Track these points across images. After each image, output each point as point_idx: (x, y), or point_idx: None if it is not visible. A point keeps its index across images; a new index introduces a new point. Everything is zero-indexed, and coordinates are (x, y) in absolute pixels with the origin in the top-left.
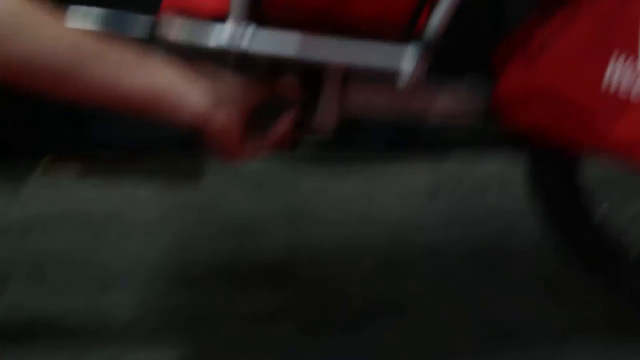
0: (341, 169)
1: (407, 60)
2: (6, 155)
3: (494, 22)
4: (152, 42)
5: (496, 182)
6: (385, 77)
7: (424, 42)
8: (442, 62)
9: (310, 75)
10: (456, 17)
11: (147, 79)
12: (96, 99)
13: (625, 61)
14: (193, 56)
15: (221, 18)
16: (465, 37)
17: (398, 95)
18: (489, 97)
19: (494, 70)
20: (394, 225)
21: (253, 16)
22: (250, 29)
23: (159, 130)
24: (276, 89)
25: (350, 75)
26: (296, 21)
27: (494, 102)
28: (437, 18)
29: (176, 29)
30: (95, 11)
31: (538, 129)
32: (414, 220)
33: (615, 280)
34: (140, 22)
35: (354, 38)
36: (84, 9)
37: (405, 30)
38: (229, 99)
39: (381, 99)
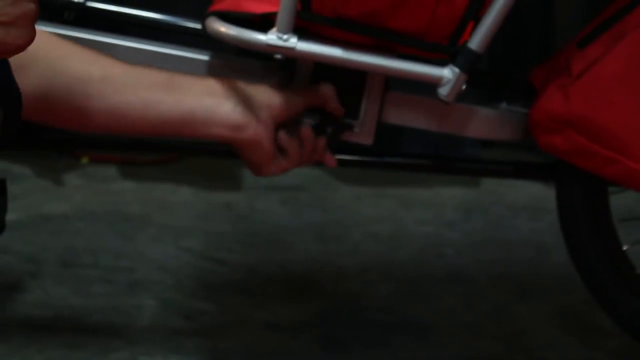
0: (375, 187)
1: (447, 75)
2: (47, 151)
3: (541, 43)
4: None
5: (530, 206)
6: (426, 90)
7: (465, 58)
8: (484, 82)
9: (351, 82)
10: (502, 38)
11: (176, 101)
12: (128, 127)
13: None
14: (240, 54)
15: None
16: (511, 58)
17: (437, 109)
18: (525, 121)
19: (534, 93)
20: (422, 246)
21: (297, 29)
22: (294, 39)
23: None
24: (315, 101)
25: (391, 85)
26: (340, 35)
27: (530, 126)
28: (480, 35)
29: (225, 28)
30: None
31: (572, 156)
32: (444, 241)
33: (628, 318)
34: None
35: (398, 49)
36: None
37: (448, 45)
38: (261, 111)
39: (420, 111)
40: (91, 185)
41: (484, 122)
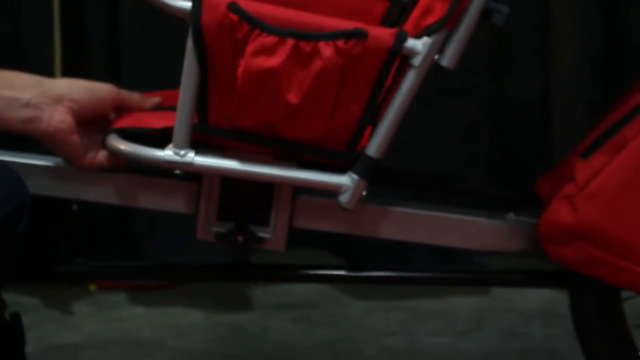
0: (385, 300)
1: (346, 182)
2: (56, 280)
3: (542, 155)
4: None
5: (542, 312)
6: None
7: (364, 164)
8: (489, 197)
9: (260, 190)
10: (503, 149)
11: None
12: None
13: None
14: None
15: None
16: (513, 171)
17: (347, 214)
18: (534, 232)
19: (540, 204)
20: (436, 358)
21: (194, 143)
22: (192, 154)
23: (207, 255)
24: (120, 100)
25: (301, 190)
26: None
27: (538, 237)
28: (377, 141)
29: (123, 145)
30: None
31: (583, 266)
32: (457, 352)
33: None
34: None
35: (298, 156)
36: None
37: (347, 151)
38: (59, 105)
39: (330, 214)
40: (101, 312)
41: (492, 235)
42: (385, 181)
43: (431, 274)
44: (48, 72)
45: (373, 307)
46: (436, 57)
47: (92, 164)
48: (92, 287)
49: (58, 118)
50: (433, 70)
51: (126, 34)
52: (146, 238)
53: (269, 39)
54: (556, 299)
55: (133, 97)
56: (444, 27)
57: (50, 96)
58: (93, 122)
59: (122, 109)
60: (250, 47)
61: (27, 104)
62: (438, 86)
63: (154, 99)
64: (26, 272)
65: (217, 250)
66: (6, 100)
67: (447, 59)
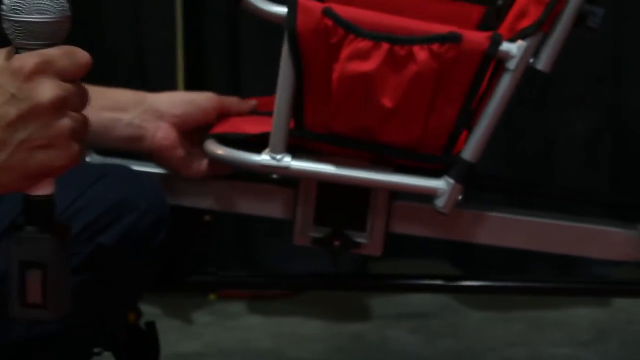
0: (504, 311)
1: (442, 186)
2: (176, 290)
3: None
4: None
5: None
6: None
7: (459, 168)
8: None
9: (356, 195)
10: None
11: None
12: None
13: None
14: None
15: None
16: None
17: (442, 217)
18: None
19: None
20: None
21: (290, 148)
22: (288, 158)
23: (325, 264)
24: (221, 108)
25: (397, 194)
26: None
27: None
28: (472, 145)
29: (221, 150)
30: None
31: None
32: None
33: None
34: None
35: (393, 160)
36: None
37: (442, 155)
38: (161, 121)
39: (427, 220)
40: (221, 321)
41: (623, 244)
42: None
43: (553, 284)
44: (170, 85)
45: (492, 318)
46: (531, 60)
47: (199, 173)
48: (212, 297)
49: (161, 135)
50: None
51: (246, 44)
52: (264, 248)
53: (364, 44)
54: None
55: (233, 102)
56: (539, 30)
57: (152, 113)
58: (199, 131)
59: (224, 114)
60: (345, 52)
61: (129, 124)
62: (560, 95)
63: (252, 102)
64: (161, 281)
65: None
66: (110, 121)
67: (543, 63)
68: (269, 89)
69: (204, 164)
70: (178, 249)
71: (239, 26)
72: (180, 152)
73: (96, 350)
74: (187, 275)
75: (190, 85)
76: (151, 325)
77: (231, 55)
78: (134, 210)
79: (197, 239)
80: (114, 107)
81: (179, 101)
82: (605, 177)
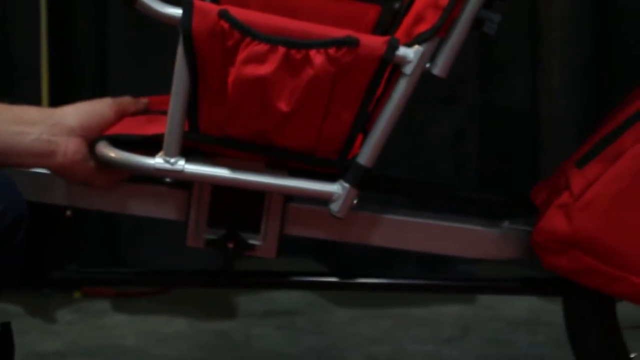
0: (370, 308)
1: (337, 191)
2: (47, 286)
3: (531, 163)
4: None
5: (527, 320)
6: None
7: (355, 172)
8: (483, 206)
9: (250, 197)
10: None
11: None
12: None
13: None
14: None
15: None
16: (501, 179)
17: (337, 221)
18: (528, 240)
19: (534, 213)
20: None
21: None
22: (182, 162)
23: (192, 262)
24: (121, 110)
25: (292, 197)
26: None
27: (533, 246)
28: (368, 149)
29: (113, 153)
30: None
31: (578, 275)
32: None
33: None
34: None
35: (289, 163)
36: None
37: (338, 159)
38: (72, 135)
39: (321, 222)
40: (84, 320)
41: (487, 243)
42: (378, 187)
43: (419, 281)
44: (34, 79)
45: (358, 315)
46: (428, 65)
47: (110, 182)
48: (77, 295)
49: (72, 149)
50: (424, 79)
51: (114, 38)
52: (130, 245)
53: (260, 47)
54: (541, 308)
55: (129, 102)
56: (435, 36)
57: (61, 128)
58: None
59: (123, 116)
60: (241, 55)
61: (38, 139)
62: (428, 94)
63: (144, 100)
64: (20, 279)
65: (202, 256)
66: (16, 135)
67: (439, 68)
68: (138, 88)
69: (113, 172)
70: (39, 245)
71: (107, 18)
72: (91, 164)
73: None
74: (49, 272)
75: (54, 79)
76: (6, 326)
77: (99, 49)
78: None
79: (59, 235)
80: (20, 121)
81: (84, 113)
82: (472, 175)
